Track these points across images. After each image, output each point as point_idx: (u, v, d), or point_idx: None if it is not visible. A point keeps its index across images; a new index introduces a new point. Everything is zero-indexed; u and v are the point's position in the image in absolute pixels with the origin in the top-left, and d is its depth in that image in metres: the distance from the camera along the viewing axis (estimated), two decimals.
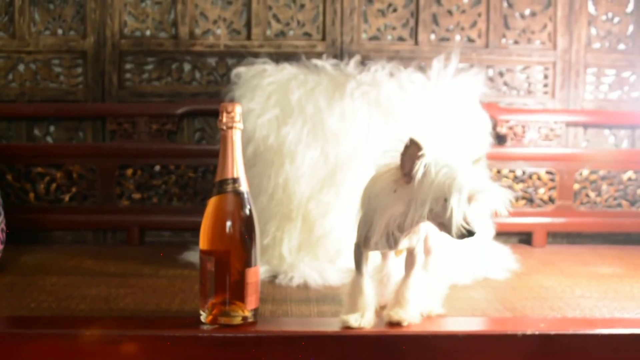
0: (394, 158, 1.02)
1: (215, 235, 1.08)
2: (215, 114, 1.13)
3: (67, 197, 1.89)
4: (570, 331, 1.07)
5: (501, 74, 1.97)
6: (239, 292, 1.07)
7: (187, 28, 1.92)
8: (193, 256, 1.59)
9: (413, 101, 1.62)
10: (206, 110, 1.90)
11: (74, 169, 1.88)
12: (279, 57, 1.84)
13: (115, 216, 1.89)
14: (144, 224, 1.89)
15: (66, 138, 1.93)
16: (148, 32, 1.93)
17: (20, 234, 1.81)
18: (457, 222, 0.97)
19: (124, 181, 1.89)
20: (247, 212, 1.09)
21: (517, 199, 1.92)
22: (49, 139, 1.93)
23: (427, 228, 1.09)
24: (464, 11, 1.96)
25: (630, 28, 1.99)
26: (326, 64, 1.71)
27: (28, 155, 1.88)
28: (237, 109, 1.10)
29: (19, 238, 1.79)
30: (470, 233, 0.98)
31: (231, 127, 1.09)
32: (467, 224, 0.98)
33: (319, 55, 1.81)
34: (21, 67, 1.92)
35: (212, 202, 1.10)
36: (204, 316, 1.08)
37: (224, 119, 1.09)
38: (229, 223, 1.08)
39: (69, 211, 1.88)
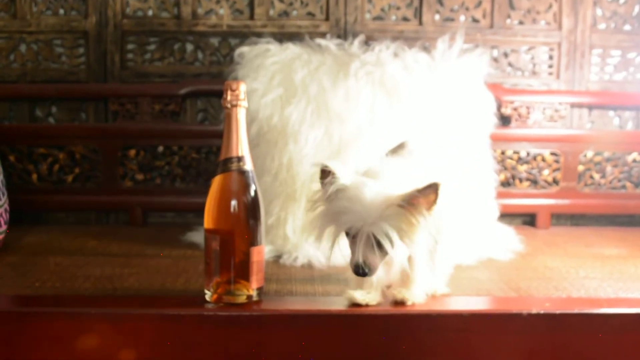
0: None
1: (220, 214, 1.08)
2: (218, 95, 1.12)
3: (69, 178, 1.88)
4: (575, 310, 1.06)
5: (506, 55, 1.95)
6: (243, 271, 1.07)
7: (189, 8, 1.90)
8: (196, 237, 1.59)
9: (417, 81, 1.61)
10: (209, 91, 1.89)
11: (76, 150, 1.88)
12: (282, 37, 1.83)
13: (118, 197, 1.88)
14: (147, 205, 1.89)
15: (68, 119, 1.92)
16: (150, 12, 1.92)
17: (23, 214, 1.81)
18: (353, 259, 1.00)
19: (126, 162, 1.88)
20: (252, 190, 1.09)
21: (521, 181, 1.92)
22: (51, 120, 1.93)
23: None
24: None
25: (636, 9, 1.97)
26: (330, 43, 1.70)
27: (30, 136, 1.87)
28: (242, 87, 1.09)
29: (22, 219, 1.78)
30: (362, 272, 1.00)
31: (235, 105, 1.09)
32: (363, 264, 1.00)
33: (322, 36, 1.80)
34: (23, 48, 1.91)
35: (216, 181, 1.09)
36: (208, 295, 1.08)
37: (229, 97, 1.08)
38: (233, 201, 1.07)
39: (71, 192, 1.88)
